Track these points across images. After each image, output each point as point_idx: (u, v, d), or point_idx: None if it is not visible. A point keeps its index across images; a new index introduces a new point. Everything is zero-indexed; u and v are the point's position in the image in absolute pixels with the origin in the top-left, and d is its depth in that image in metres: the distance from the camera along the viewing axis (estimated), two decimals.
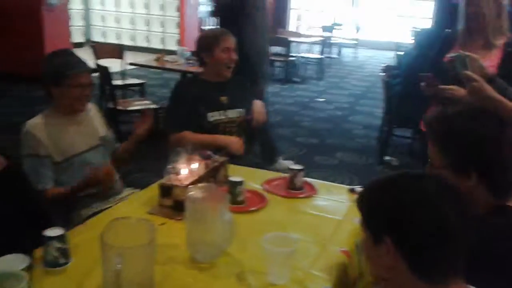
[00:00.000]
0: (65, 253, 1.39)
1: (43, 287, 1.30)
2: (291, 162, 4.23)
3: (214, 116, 2.54)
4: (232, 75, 2.66)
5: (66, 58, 2.12)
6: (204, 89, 2.57)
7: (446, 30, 2.65)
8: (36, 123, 2.08)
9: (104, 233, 1.19)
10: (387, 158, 4.68)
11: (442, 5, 11.93)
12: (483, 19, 2.27)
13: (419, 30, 5.21)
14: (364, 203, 1.05)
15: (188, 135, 2.44)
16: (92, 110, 2.32)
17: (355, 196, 1.98)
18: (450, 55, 2.14)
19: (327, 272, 1.45)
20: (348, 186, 2.13)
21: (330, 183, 2.21)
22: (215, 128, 2.54)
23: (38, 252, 1.40)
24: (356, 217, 1.80)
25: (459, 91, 2.14)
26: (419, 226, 0.93)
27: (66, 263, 1.39)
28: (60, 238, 1.37)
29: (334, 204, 1.95)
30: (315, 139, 5.33)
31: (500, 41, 2.31)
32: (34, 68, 7.04)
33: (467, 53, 2.08)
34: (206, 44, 2.60)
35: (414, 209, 0.94)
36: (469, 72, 1.93)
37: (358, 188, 2.08)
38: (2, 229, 1.42)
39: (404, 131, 4.99)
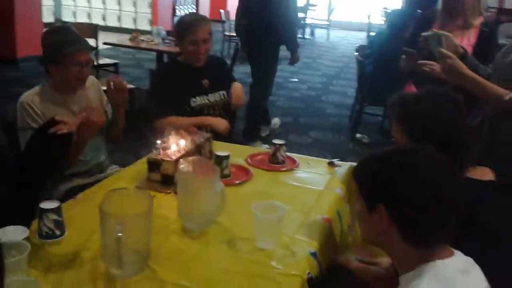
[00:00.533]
0: (60, 225, 1.43)
1: (41, 257, 1.35)
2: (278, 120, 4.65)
3: (197, 101, 2.57)
4: (211, 58, 2.68)
5: (64, 35, 2.06)
6: (185, 74, 2.56)
7: (419, 10, 2.75)
8: (32, 97, 2.05)
9: (103, 203, 1.25)
10: (358, 135, 4.82)
11: None
12: (462, 1, 2.36)
13: (390, 10, 5.31)
14: (361, 174, 1.14)
15: (173, 119, 2.42)
16: (93, 86, 2.27)
17: (334, 169, 2.11)
18: (424, 33, 2.24)
19: (311, 237, 1.54)
20: (327, 160, 2.23)
21: (310, 157, 2.30)
22: (198, 112, 2.56)
23: (34, 224, 1.44)
24: (336, 188, 1.93)
25: (437, 67, 2.25)
26: (411, 195, 1.02)
27: (61, 235, 1.43)
28: (56, 210, 1.42)
29: (315, 176, 2.04)
30: (289, 118, 5.42)
31: (478, 21, 2.41)
32: (4, 49, 6.94)
33: (441, 31, 2.19)
34: (177, 32, 2.61)
35: (407, 179, 1.03)
36: (443, 50, 2.03)
37: (337, 161, 2.19)
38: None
39: (375, 109, 5.14)
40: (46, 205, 1.41)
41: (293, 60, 4.56)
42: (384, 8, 12.41)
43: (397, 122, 1.48)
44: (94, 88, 2.28)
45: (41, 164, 1.49)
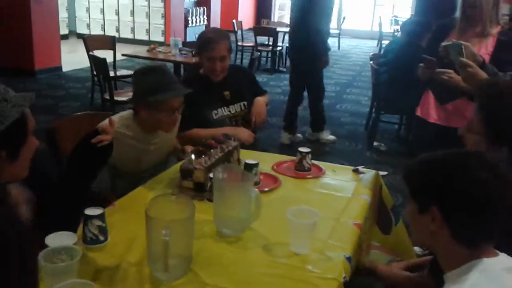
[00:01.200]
0: (104, 231, 1.50)
1: (87, 263, 1.40)
2: (333, 137, 4.88)
3: (218, 113, 2.62)
4: (233, 68, 2.73)
5: (159, 79, 1.96)
6: (207, 87, 2.61)
7: (435, 19, 2.79)
8: (118, 129, 1.93)
9: (148, 208, 1.31)
10: (375, 143, 4.86)
11: None
12: (481, 8, 2.40)
13: (404, 19, 5.37)
14: (413, 176, 1.18)
15: (196, 131, 2.47)
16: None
17: (359, 176, 2.15)
18: (443, 43, 2.29)
19: (344, 242, 1.59)
20: (351, 167, 2.27)
21: (334, 164, 2.35)
22: (220, 123, 2.60)
23: (78, 230, 1.50)
24: (363, 194, 1.97)
25: (455, 76, 2.29)
26: (466, 198, 1.06)
27: (105, 241, 1.50)
28: (100, 216, 1.48)
29: (341, 183, 2.09)
30: (305, 127, 5.47)
31: (495, 30, 2.45)
32: (21, 60, 7.09)
33: (460, 41, 2.24)
34: (197, 46, 2.66)
35: (462, 183, 1.07)
36: (464, 59, 2.08)
37: (362, 168, 2.23)
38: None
39: (391, 117, 5.18)
40: (90, 211, 1.47)
41: (321, 65, 4.70)
42: (394, 16, 12.52)
43: (480, 110, 1.50)
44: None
45: (84, 174, 1.55)
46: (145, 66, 2.14)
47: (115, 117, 2.05)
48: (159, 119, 1.99)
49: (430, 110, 2.69)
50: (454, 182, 1.08)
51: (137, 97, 2.03)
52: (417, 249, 2.91)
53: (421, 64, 2.44)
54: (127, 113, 2.09)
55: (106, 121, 1.61)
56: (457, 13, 2.52)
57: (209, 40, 2.55)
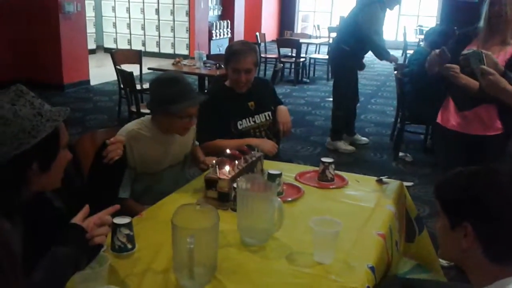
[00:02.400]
0: (131, 240, 1.54)
1: (115, 270, 1.45)
2: (351, 147, 4.95)
3: (243, 123, 2.66)
4: (257, 79, 2.78)
5: (177, 88, 2.05)
6: (232, 98, 2.66)
7: (460, 28, 2.79)
8: (131, 132, 2.06)
9: (174, 217, 1.34)
10: (401, 154, 4.82)
11: (448, 2, 12.06)
12: (506, 18, 2.41)
13: (428, 28, 5.34)
14: (446, 191, 1.17)
15: (220, 142, 2.51)
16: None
17: (383, 186, 2.15)
18: (464, 52, 2.29)
19: (368, 252, 1.59)
20: (375, 177, 2.27)
21: (358, 174, 2.35)
22: (245, 134, 2.64)
23: (107, 238, 1.54)
24: (387, 204, 1.97)
25: (463, 75, 2.29)
26: (499, 213, 1.06)
27: (132, 249, 1.54)
28: (128, 225, 1.53)
29: (364, 193, 2.09)
30: (329, 137, 5.46)
31: None
32: (51, 75, 7.31)
33: (481, 50, 2.23)
34: (224, 57, 2.72)
35: (495, 198, 1.07)
36: (485, 67, 2.08)
37: (385, 179, 2.23)
38: None
39: (417, 128, 5.13)
40: (118, 220, 1.52)
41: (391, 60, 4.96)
42: (419, 26, 12.43)
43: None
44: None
45: (104, 191, 1.58)
46: (162, 76, 2.22)
47: (132, 121, 2.16)
48: (176, 125, 2.09)
49: (449, 116, 2.69)
50: (489, 199, 1.08)
51: (156, 105, 2.11)
52: (443, 261, 2.88)
53: (434, 52, 2.40)
54: (145, 117, 2.20)
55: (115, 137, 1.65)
56: (481, 22, 2.51)
57: (235, 52, 2.60)
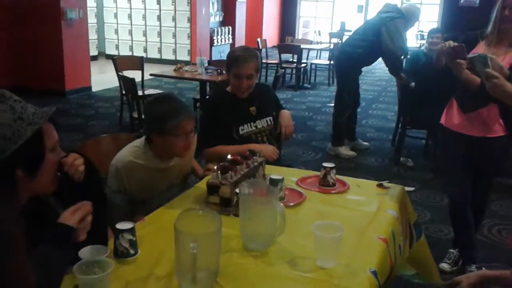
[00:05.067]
0: (134, 245, 1.54)
1: (118, 275, 1.45)
2: (353, 152, 4.95)
3: (244, 129, 2.67)
4: (258, 85, 2.79)
5: (168, 105, 2.03)
6: (234, 104, 2.67)
7: (461, 32, 2.80)
8: (127, 164, 2.02)
9: (176, 222, 1.35)
10: (402, 159, 4.82)
11: (449, 8, 12.08)
12: None
13: (428, 32, 5.37)
14: None
15: (221, 148, 2.51)
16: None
17: (384, 191, 2.15)
18: (469, 56, 2.29)
19: (370, 257, 1.59)
20: (376, 182, 2.27)
21: (359, 179, 2.36)
22: (246, 139, 2.65)
23: (110, 244, 1.55)
24: (389, 209, 1.97)
25: (469, 72, 2.30)
26: None
27: (135, 254, 1.54)
28: (131, 230, 1.53)
29: (366, 198, 2.09)
30: (330, 143, 5.47)
31: None
32: (53, 81, 7.33)
33: (486, 53, 2.24)
34: (226, 62, 2.72)
35: None
36: (490, 70, 2.09)
37: (386, 183, 2.23)
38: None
39: (418, 132, 5.14)
40: (121, 225, 1.53)
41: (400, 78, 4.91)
42: (420, 31, 12.46)
43: None
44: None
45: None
46: (153, 97, 2.19)
47: (127, 147, 2.10)
48: (174, 144, 2.03)
49: (453, 118, 2.70)
50: None
51: (151, 125, 2.07)
52: (445, 265, 2.88)
53: (448, 44, 2.33)
54: (139, 141, 2.12)
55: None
56: (489, 26, 2.53)
57: (237, 58, 2.61)
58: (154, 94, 5.76)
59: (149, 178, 2.08)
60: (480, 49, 2.51)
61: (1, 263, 0.66)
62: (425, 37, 7.20)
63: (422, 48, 5.58)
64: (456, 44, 2.32)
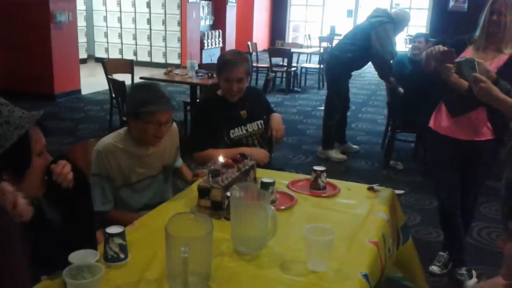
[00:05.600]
0: (124, 249, 1.53)
1: (108, 280, 1.43)
2: (343, 156, 4.99)
3: (235, 132, 2.67)
4: (248, 88, 2.79)
5: (148, 93, 2.10)
6: (224, 107, 2.67)
7: (450, 37, 2.82)
8: (108, 146, 2.10)
9: (167, 226, 1.34)
10: (392, 162, 4.85)
11: (438, 13, 12.21)
12: (504, 28, 2.44)
13: (416, 34, 5.43)
14: None
15: (212, 152, 2.50)
16: (171, 136, 2.29)
17: (375, 194, 2.16)
18: (456, 60, 2.32)
19: (361, 260, 1.60)
20: (366, 185, 2.28)
21: (349, 182, 2.36)
22: (237, 143, 2.65)
23: (100, 248, 1.54)
24: (379, 212, 1.98)
25: (456, 77, 2.32)
26: None
27: (125, 258, 1.53)
28: (121, 234, 1.52)
29: (356, 201, 2.10)
30: (320, 147, 5.49)
31: (510, 51, 2.48)
32: (42, 84, 7.28)
33: (473, 58, 2.26)
34: (217, 67, 2.72)
35: None
36: (477, 74, 2.11)
37: (376, 186, 2.24)
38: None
39: (408, 136, 5.18)
40: (111, 230, 1.51)
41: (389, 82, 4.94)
42: (408, 35, 12.55)
43: None
44: (172, 136, 2.32)
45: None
46: (139, 83, 2.26)
47: (111, 134, 2.19)
48: (145, 131, 2.10)
49: (442, 122, 2.72)
50: None
51: (128, 108, 2.17)
52: (435, 268, 2.90)
53: (438, 48, 2.34)
54: (123, 129, 2.22)
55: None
56: (477, 31, 2.55)
57: (227, 62, 2.61)
58: None
59: (127, 162, 2.13)
60: (468, 53, 2.54)
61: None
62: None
63: (407, 52, 5.62)
64: (445, 48, 2.33)
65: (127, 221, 1.81)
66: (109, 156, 2.09)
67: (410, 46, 10.53)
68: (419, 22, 13.81)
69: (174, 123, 2.32)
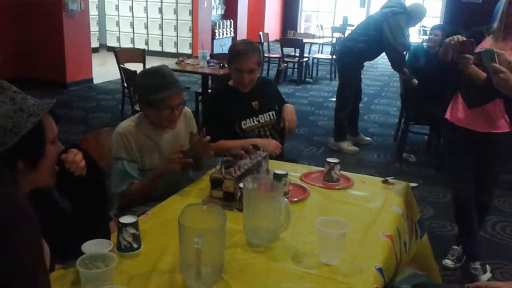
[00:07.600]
0: (137, 239, 1.53)
1: (121, 270, 1.43)
2: (355, 148, 4.93)
3: (247, 123, 2.65)
4: (260, 79, 2.76)
5: (157, 79, 2.08)
6: (236, 98, 2.65)
7: (474, 28, 2.75)
8: (128, 129, 2.11)
9: (181, 217, 1.33)
10: (405, 155, 4.80)
11: (452, 4, 12.04)
12: None
13: (431, 27, 5.33)
14: None
15: (224, 143, 2.49)
16: (184, 116, 2.30)
17: (389, 187, 2.13)
18: (476, 50, 2.27)
19: (375, 253, 1.58)
20: (381, 178, 2.25)
21: (363, 175, 2.34)
22: (249, 134, 2.63)
23: (113, 238, 1.54)
24: (394, 205, 1.95)
25: (475, 68, 2.29)
26: None
27: (138, 248, 1.53)
28: (134, 224, 1.51)
29: (370, 194, 2.08)
30: (332, 138, 5.45)
31: None
32: (54, 73, 7.31)
33: (493, 48, 2.22)
34: (228, 58, 2.69)
35: None
36: (496, 65, 2.07)
37: (391, 179, 2.22)
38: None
39: (421, 128, 5.12)
40: (125, 219, 1.51)
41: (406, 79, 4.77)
42: (422, 26, 12.39)
43: None
44: (185, 118, 2.33)
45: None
46: (147, 68, 2.24)
47: (130, 118, 2.20)
48: (159, 116, 2.11)
49: (458, 113, 2.68)
50: None
51: (139, 96, 2.19)
52: (448, 262, 2.87)
53: (456, 38, 2.28)
54: (138, 113, 2.23)
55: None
56: (496, 21, 2.50)
57: (239, 53, 2.58)
58: None
59: (143, 144, 2.14)
60: (487, 44, 2.49)
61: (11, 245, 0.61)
62: (428, 32, 7.19)
63: (423, 44, 5.54)
64: (464, 38, 2.29)
65: (144, 191, 2.03)
66: (130, 137, 2.10)
67: (424, 37, 10.44)
68: (433, 13, 13.62)
69: (187, 108, 2.32)
